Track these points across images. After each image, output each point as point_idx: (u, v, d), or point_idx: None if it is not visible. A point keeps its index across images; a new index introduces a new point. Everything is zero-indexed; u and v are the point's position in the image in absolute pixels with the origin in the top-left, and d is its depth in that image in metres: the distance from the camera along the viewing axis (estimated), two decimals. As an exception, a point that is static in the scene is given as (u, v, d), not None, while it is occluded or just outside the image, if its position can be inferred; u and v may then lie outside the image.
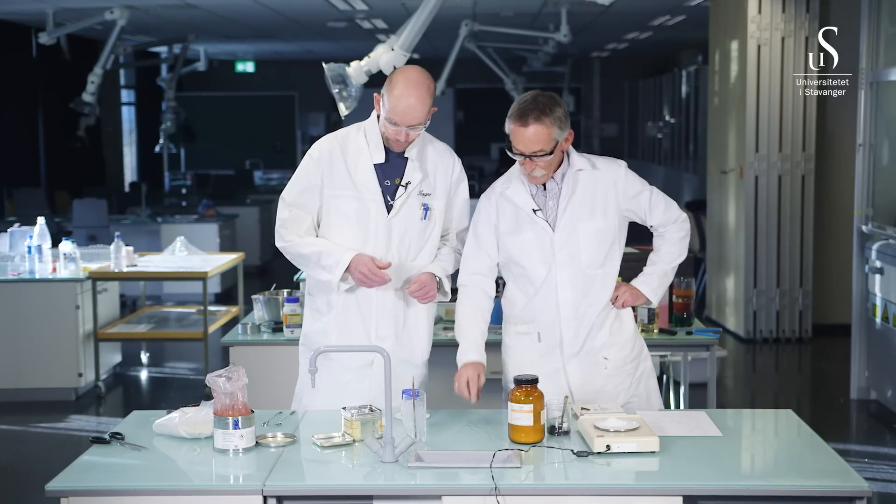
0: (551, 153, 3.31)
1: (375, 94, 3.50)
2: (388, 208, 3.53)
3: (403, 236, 3.55)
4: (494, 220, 3.47)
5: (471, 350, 3.41)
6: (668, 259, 3.54)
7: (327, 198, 3.55)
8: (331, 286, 3.54)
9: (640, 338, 3.60)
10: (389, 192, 3.54)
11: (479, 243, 3.50)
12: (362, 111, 5.42)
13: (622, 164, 3.49)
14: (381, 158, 3.52)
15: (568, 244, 3.40)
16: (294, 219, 3.56)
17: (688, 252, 3.58)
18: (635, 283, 3.53)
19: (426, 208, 3.56)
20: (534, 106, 3.28)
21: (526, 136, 3.28)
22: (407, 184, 3.53)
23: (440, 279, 3.57)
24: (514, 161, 3.40)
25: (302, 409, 3.56)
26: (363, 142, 3.55)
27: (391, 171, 3.54)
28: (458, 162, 3.67)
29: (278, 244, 3.60)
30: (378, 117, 3.52)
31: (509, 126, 3.32)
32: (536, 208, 3.41)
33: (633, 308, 3.63)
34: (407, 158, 3.54)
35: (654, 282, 3.52)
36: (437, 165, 3.60)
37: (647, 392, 3.56)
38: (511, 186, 3.45)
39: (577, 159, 3.44)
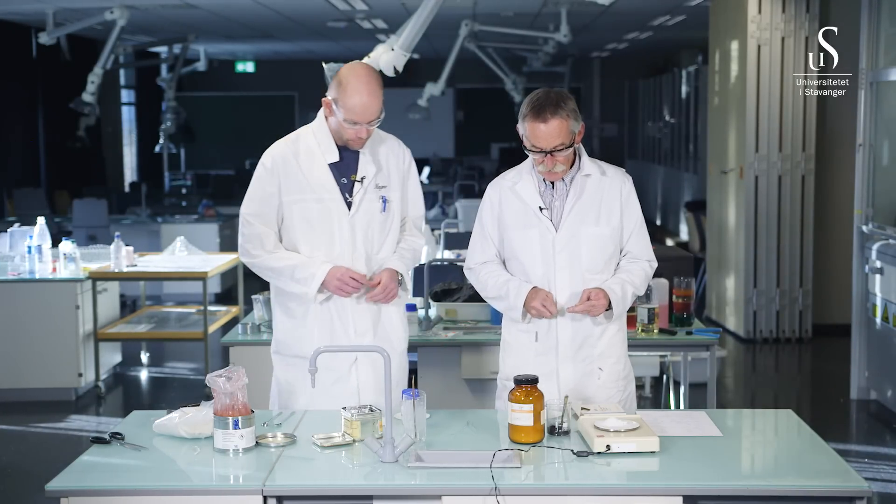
0: (571, 146, 3.32)
1: (325, 99, 3.51)
2: (349, 206, 3.55)
3: (367, 231, 3.58)
4: (498, 211, 3.48)
5: (522, 283, 3.39)
6: (637, 281, 3.46)
7: (286, 204, 3.56)
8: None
9: (629, 361, 3.59)
10: (347, 190, 3.56)
11: (485, 232, 3.52)
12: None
13: (629, 177, 3.52)
14: (334, 158, 3.55)
15: (569, 246, 3.40)
16: (258, 234, 3.57)
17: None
18: (602, 286, 3.39)
19: (384, 200, 3.60)
20: (548, 101, 3.30)
21: (545, 131, 3.28)
22: (362, 179, 3.56)
23: (401, 275, 3.63)
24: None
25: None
26: (314, 144, 3.56)
27: (345, 168, 3.57)
28: (407, 151, 3.71)
29: (244, 259, 3.62)
30: (326, 118, 3.55)
31: (526, 124, 3.32)
32: (542, 206, 3.41)
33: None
34: (359, 154, 3.57)
35: (619, 291, 3.41)
36: (388, 157, 3.64)
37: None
38: (521, 181, 3.45)
39: (588, 163, 3.45)
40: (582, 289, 3.41)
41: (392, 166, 3.64)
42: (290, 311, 3.64)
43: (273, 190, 3.56)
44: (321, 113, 3.60)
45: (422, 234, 3.77)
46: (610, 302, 3.37)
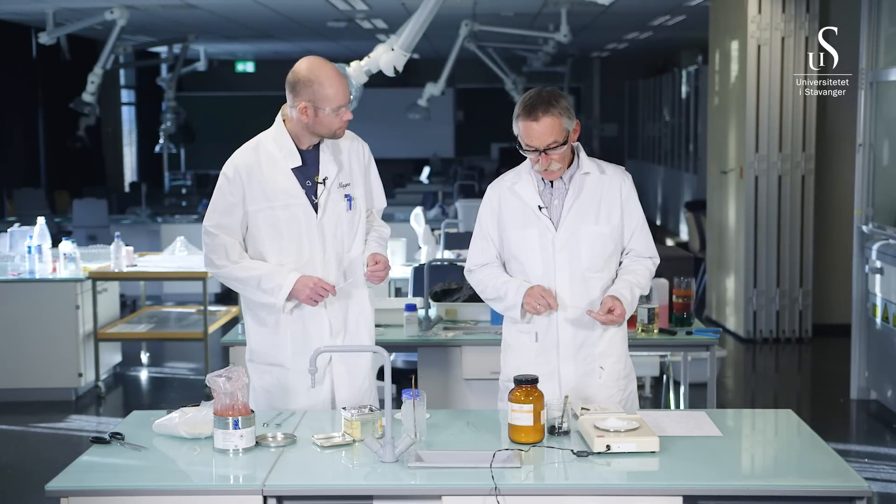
0: (565, 143, 3.32)
1: (301, 106, 3.46)
2: (315, 208, 3.54)
3: (335, 232, 3.57)
4: (497, 212, 3.47)
5: (521, 282, 3.39)
6: (642, 281, 3.48)
7: (251, 213, 3.53)
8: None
9: (630, 359, 3.59)
10: (312, 192, 3.55)
11: (484, 233, 3.51)
12: (362, 111, 5.44)
13: (629, 175, 3.52)
14: (297, 162, 3.53)
15: (568, 245, 3.40)
16: (222, 244, 3.55)
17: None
18: (614, 293, 3.41)
19: (349, 198, 3.59)
20: (540, 100, 3.30)
21: (538, 129, 3.29)
22: (324, 179, 3.55)
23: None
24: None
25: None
26: (275, 150, 3.54)
27: (307, 171, 3.55)
28: (365, 145, 3.71)
29: (209, 269, 3.63)
30: (284, 122, 3.54)
31: (519, 124, 3.32)
32: (542, 205, 3.41)
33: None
34: (318, 155, 3.56)
35: (629, 297, 3.43)
36: (348, 154, 3.63)
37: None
38: (520, 182, 3.45)
39: (586, 162, 3.45)
40: (583, 287, 3.41)
41: (354, 162, 3.63)
42: (260, 320, 3.61)
43: (236, 200, 3.53)
44: (279, 119, 3.57)
45: (385, 225, 3.78)
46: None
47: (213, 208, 3.58)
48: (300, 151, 3.55)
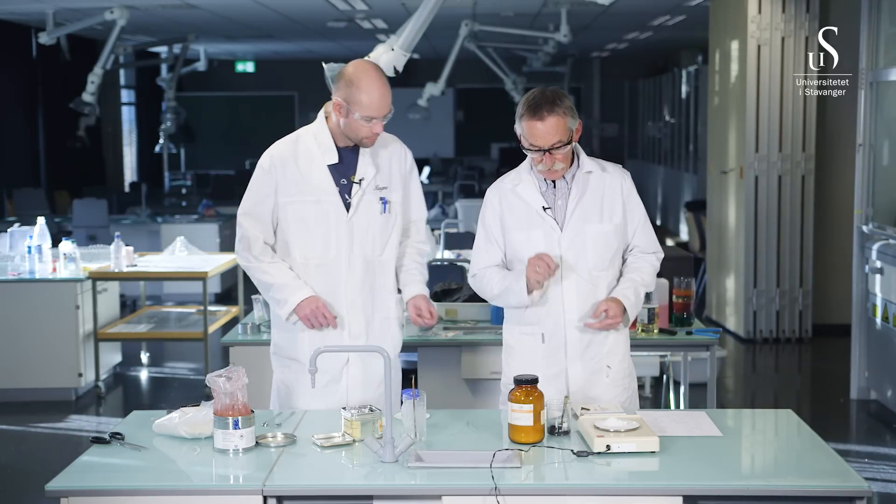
0: (569, 143, 3.32)
1: (335, 101, 3.46)
2: (347, 207, 3.53)
3: (366, 234, 3.56)
4: (500, 214, 3.46)
5: (521, 270, 3.36)
6: (647, 279, 3.49)
7: (282, 205, 3.55)
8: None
9: (631, 359, 3.60)
10: (346, 191, 3.54)
11: (489, 236, 3.49)
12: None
13: (627, 172, 3.53)
14: (333, 159, 3.53)
15: (574, 244, 3.40)
16: (246, 237, 3.58)
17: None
18: (616, 295, 3.42)
19: (384, 202, 3.58)
20: (544, 99, 3.30)
21: (542, 129, 3.28)
22: (361, 180, 3.54)
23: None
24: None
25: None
26: (314, 145, 3.55)
27: (344, 169, 3.55)
28: (408, 152, 3.69)
29: (240, 262, 3.64)
30: (326, 119, 3.54)
31: (523, 123, 3.32)
32: (546, 206, 3.41)
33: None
34: (358, 155, 3.55)
35: (632, 297, 3.44)
36: (389, 158, 3.62)
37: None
38: (521, 183, 3.44)
39: (587, 161, 3.45)
40: (590, 286, 3.41)
41: (394, 167, 3.62)
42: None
43: (269, 191, 3.56)
44: (321, 114, 3.58)
45: (426, 239, 3.75)
46: (625, 308, 3.40)
47: (246, 196, 3.61)
48: (339, 149, 3.54)
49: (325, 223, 3.53)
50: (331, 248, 3.54)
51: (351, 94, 3.43)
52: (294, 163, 3.54)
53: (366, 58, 5.29)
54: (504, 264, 3.50)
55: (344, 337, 3.57)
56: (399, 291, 3.73)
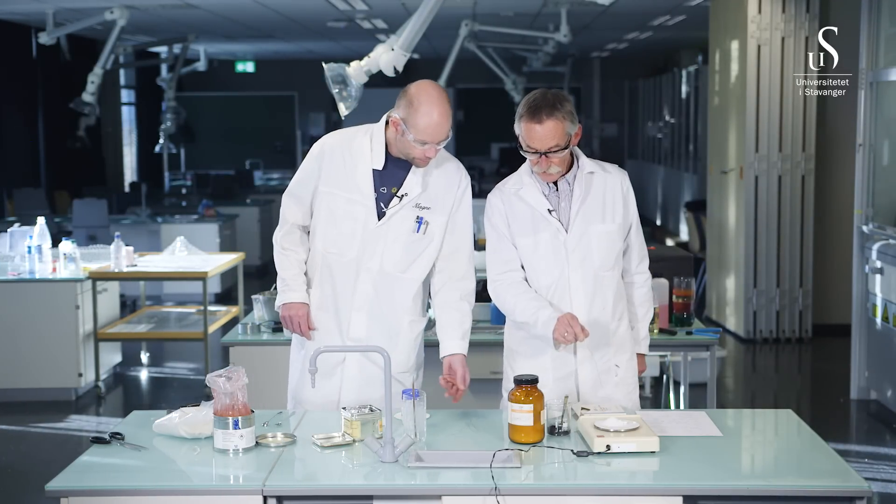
0: (566, 147, 3.31)
1: (392, 119, 3.40)
2: (380, 216, 3.49)
3: (392, 246, 3.49)
4: (505, 215, 3.44)
5: (551, 314, 3.30)
6: (650, 312, 3.63)
7: (320, 193, 3.54)
8: (312, 281, 3.59)
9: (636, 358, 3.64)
10: (384, 200, 3.49)
11: (500, 236, 3.46)
12: (362, 111, 5.43)
13: (626, 172, 3.54)
14: (380, 165, 3.48)
15: (580, 245, 3.40)
16: (282, 214, 3.61)
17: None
18: (638, 351, 3.62)
19: (420, 221, 3.49)
20: (544, 102, 3.29)
21: (541, 132, 3.28)
22: (404, 195, 3.48)
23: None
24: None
25: (296, 405, 3.62)
26: (367, 145, 3.50)
27: (389, 178, 3.49)
28: (465, 177, 3.57)
29: (274, 239, 3.65)
30: (386, 125, 3.47)
31: (521, 125, 3.31)
32: (551, 209, 3.40)
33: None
34: (409, 169, 3.48)
35: (645, 341, 3.63)
36: (442, 179, 3.52)
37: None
38: (524, 187, 3.43)
39: (587, 162, 3.44)
40: (596, 287, 3.42)
41: (441, 188, 3.51)
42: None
43: (313, 175, 3.54)
44: (384, 118, 3.49)
45: (469, 275, 3.56)
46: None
47: (297, 175, 3.62)
48: (392, 158, 3.48)
49: (352, 223, 3.49)
50: (352, 249, 3.50)
51: (409, 114, 3.35)
52: (342, 156, 3.51)
53: (366, 58, 5.30)
54: (518, 264, 3.45)
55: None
56: (428, 310, 3.68)
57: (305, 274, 3.60)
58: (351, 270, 3.52)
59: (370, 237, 3.49)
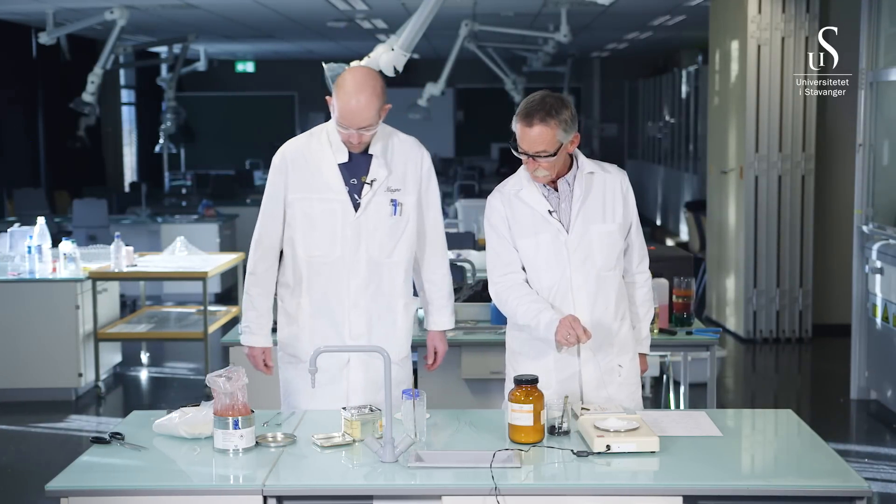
0: (554, 154, 3.30)
1: (328, 98, 3.49)
2: (357, 207, 3.52)
3: (373, 234, 3.54)
4: (506, 217, 3.44)
5: (553, 316, 3.31)
6: (651, 311, 3.64)
7: (290, 202, 3.55)
8: (300, 291, 3.60)
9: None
10: (356, 191, 3.53)
11: (501, 237, 3.46)
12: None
13: (625, 172, 3.54)
14: (343, 158, 3.52)
15: (581, 246, 3.40)
16: (256, 241, 3.65)
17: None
18: (640, 350, 3.63)
19: (395, 204, 3.55)
20: (540, 107, 3.28)
21: (530, 136, 3.28)
22: (372, 181, 3.52)
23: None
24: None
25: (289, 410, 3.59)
26: (325, 142, 3.54)
27: (356, 169, 3.53)
28: (426, 155, 3.67)
29: (248, 269, 3.71)
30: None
31: (515, 125, 3.32)
32: (551, 209, 3.40)
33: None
34: (371, 156, 3.54)
35: (647, 340, 3.66)
36: (404, 160, 3.60)
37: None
38: (524, 188, 3.43)
39: (586, 162, 3.44)
40: (598, 287, 3.41)
41: (409, 169, 3.59)
42: (286, 312, 3.67)
43: (280, 188, 3.56)
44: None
45: (443, 262, 3.71)
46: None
47: (265, 195, 3.64)
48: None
49: (331, 221, 3.52)
50: (336, 247, 3.53)
51: (336, 98, 3.44)
52: (305, 160, 3.54)
53: (366, 58, 5.29)
54: (520, 266, 3.45)
55: (344, 337, 3.57)
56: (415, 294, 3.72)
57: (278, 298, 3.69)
58: (340, 268, 3.54)
59: (351, 230, 3.53)
